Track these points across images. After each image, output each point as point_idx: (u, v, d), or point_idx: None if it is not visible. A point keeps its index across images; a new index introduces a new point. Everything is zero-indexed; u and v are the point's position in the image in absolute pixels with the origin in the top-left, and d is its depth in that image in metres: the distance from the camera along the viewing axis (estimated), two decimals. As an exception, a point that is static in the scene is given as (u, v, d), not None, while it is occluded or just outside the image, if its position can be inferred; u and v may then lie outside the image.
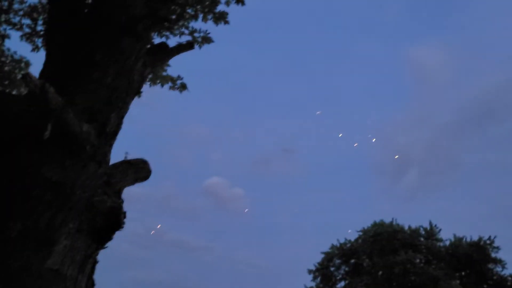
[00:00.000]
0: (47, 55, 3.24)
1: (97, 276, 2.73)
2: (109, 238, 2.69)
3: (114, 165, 3.00)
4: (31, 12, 4.76)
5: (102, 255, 2.86)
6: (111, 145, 3.12)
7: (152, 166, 3.32)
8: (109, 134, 3.06)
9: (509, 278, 31.57)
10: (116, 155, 3.19)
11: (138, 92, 3.51)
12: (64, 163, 2.62)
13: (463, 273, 32.82)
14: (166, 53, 3.72)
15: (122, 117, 3.25)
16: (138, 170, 3.15)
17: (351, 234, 39.07)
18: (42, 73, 3.12)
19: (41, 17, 4.80)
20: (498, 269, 32.28)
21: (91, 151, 2.76)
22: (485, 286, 31.95)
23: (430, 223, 34.76)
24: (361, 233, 34.54)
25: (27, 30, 4.86)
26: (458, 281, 31.40)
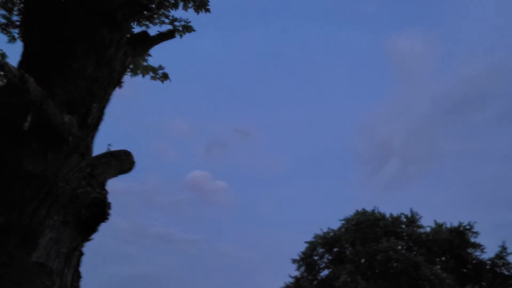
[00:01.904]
0: (24, 46, 3.17)
1: (81, 272, 2.69)
2: (94, 229, 2.65)
3: (97, 156, 2.95)
4: (6, 2, 4.64)
5: (86, 251, 2.82)
6: (93, 137, 3.07)
7: (135, 160, 3.28)
8: (91, 126, 3.01)
9: (488, 262, 32.14)
10: (99, 149, 3.14)
11: (119, 83, 3.46)
12: (46, 156, 2.57)
13: (443, 258, 33.33)
14: (147, 42, 3.66)
15: (104, 108, 3.20)
16: (121, 161, 3.10)
17: (334, 223, 39.32)
18: (20, 64, 3.04)
19: (16, 7, 4.69)
20: (477, 253, 32.82)
21: (73, 142, 2.71)
22: (464, 270, 32.51)
23: (411, 211, 35.16)
24: (343, 222, 34.82)
25: (2, 20, 4.74)
26: (438, 266, 31.90)
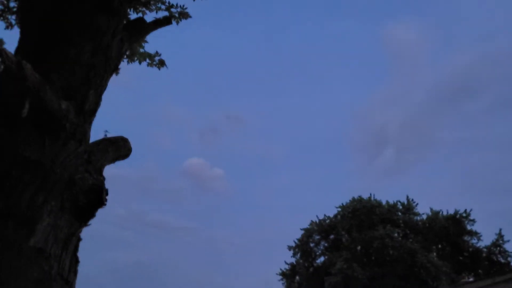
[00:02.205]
0: (22, 33, 3.16)
1: (80, 259, 2.72)
2: (92, 215, 2.68)
3: (94, 143, 2.97)
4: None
5: (84, 237, 2.85)
6: (90, 123, 3.09)
7: (132, 147, 3.30)
8: (88, 112, 3.02)
9: (484, 250, 32.31)
10: (96, 135, 3.15)
11: (115, 69, 3.46)
12: (43, 142, 2.58)
13: (439, 246, 33.49)
14: (143, 28, 3.66)
15: (101, 94, 3.21)
16: (118, 147, 3.12)
17: (330, 210, 39.43)
18: (17, 51, 3.05)
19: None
20: (474, 241, 33.00)
21: (71, 129, 2.72)
22: (460, 257, 32.68)
23: (407, 198, 35.27)
24: (340, 209, 34.93)
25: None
26: (434, 254, 32.07)
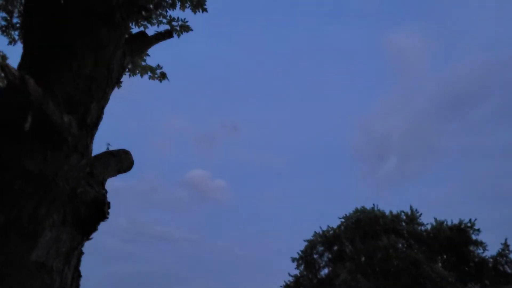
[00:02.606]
0: (24, 48, 3.19)
1: (81, 271, 2.71)
2: (94, 228, 2.68)
3: (97, 156, 2.98)
4: (6, 5, 4.67)
5: (86, 250, 2.85)
6: (92, 136, 3.09)
7: (134, 159, 3.31)
8: (90, 125, 3.03)
9: (490, 260, 32.11)
10: (98, 148, 3.16)
11: (118, 82, 3.48)
12: (45, 155, 2.58)
13: (444, 256, 33.31)
14: (145, 41, 3.69)
15: (103, 107, 3.22)
16: (120, 160, 3.13)
17: (334, 220, 39.31)
18: (20, 65, 3.07)
19: (16, 9, 4.72)
20: (479, 251, 32.82)
21: (73, 142, 2.73)
22: (466, 268, 32.48)
23: (411, 208, 35.19)
24: (343, 220, 34.85)
25: (3, 23, 4.77)
26: (439, 264, 31.90)
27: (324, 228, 34.99)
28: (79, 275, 2.63)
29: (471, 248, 32.32)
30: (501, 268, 31.37)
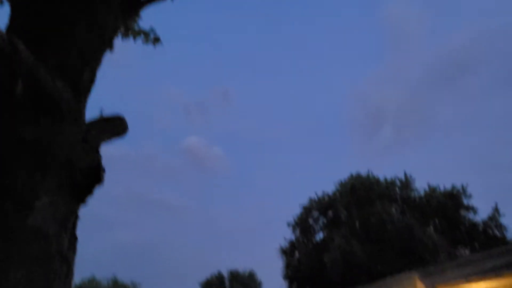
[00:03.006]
0: (12, 10, 3.12)
1: (80, 238, 2.73)
2: (89, 193, 2.68)
3: (90, 122, 2.95)
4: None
5: (85, 218, 2.85)
6: (85, 102, 3.06)
7: (131, 127, 3.29)
8: (83, 90, 3.00)
9: (481, 224, 32.54)
10: (91, 114, 3.14)
11: (110, 46, 3.43)
12: (38, 122, 2.56)
13: (436, 221, 33.71)
14: (138, 4, 3.62)
15: (95, 72, 3.18)
16: (114, 126, 3.11)
17: (329, 188, 39.63)
18: (8, 28, 3.00)
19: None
20: (470, 215, 33.24)
21: (66, 108, 2.70)
22: (457, 232, 32.93)
23: (405, 174, 35.42)
24: (338, 186, 35.07)
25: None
26: (432, 229, 32.30)
27: (320, 195, 35.29)
28: (75, 239, 2.65)
29: (462, 213, 32.74)
30: (491, 232, 31.86)
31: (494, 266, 13.24)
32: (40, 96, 2.55)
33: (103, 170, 2.73)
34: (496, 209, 31.76)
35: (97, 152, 2.82)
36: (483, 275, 11.73)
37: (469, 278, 12.11)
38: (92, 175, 2.63)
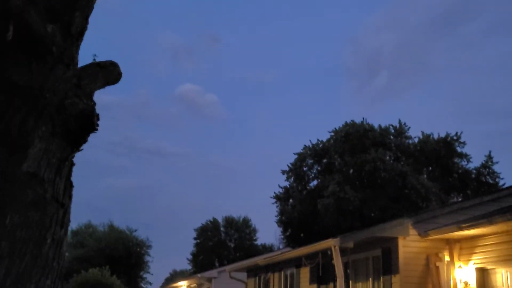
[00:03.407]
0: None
1: (76, 184, 2.74)
2: (83, 140, 2.67)
3: (83, 67, 2.91)
4: None
5: (81, 164, 2.85)
6: (78, 47, 3.00)
7: (125, 74, 3.24)
8: (75, 35, 2.93)
9: (473, 171, 32.94)
10: (84, 61, 3.09)
11: (101, -10, 3.33)
12: (30, 67, 2.52)
13: (430, 168, 34.10)
14: None
15: (87, 17, 3.10)
16: (108, 72, 3.06)
17: (324, 135, 39.77)
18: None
19: None
20: (464, 163, 33.61)
21: (58, 52, 2.65)
22: (450, 179, 33.37)
23: (399, 122, 35.58)
24: (332, 134, 35.23)
25: None
26: (425, 176, 32.71)
27: (314, 142, 35.47)
28: (71, 185, 2.66)
29: (456, 160, 33.07)
30: (483, 179, 32.32)
31: (486, 212, 13.50)
32: (31, 40, 2.50)
33: (97, 117, 2.72)
34: (489, 156, 32.10)
35: (91, 98, 2.79)
36: (475, 221, 11.97)
37: (461, 224, 12.36)
38: (85, 121, 2.62)
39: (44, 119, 2.46)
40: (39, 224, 2.33)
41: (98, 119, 2.74)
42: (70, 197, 2.64)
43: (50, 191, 2.43)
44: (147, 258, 55.03)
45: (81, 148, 2.72)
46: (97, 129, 2.72)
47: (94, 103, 2.79)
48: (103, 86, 3.06)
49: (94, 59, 3.10)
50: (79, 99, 2.65)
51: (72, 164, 2.71)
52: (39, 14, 2.58)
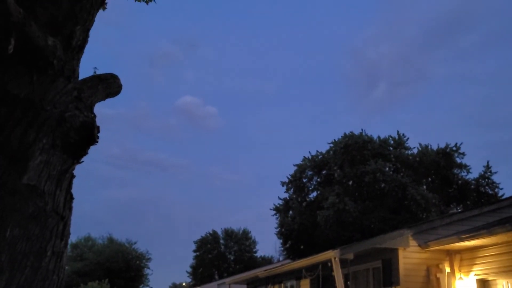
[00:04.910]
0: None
1: (76, 197, 2.74)
2: (84, 152, 2.67)
3: (84, 80, 2.92)
4: None
5: (82, 176, 2.85)
6: (78, 60, 3.02)
7: (125, 86, 3.26)
8: (76, 48, 2.95)
9: (473, 182, 32.85)
10: (85, 73, 3.10)
11: (102, 4, 3.36)
12: (31, 79, 2.53)
13: (429, 179, 34.02)
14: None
15: (88, 30, 3.12)
16: (108, 85, 3.08)
17: (323, 146, 39.74)
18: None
19: None
20: (463, 173, 33.53)
21: (59, 65, 2.66)
22: (450, 190, 33.28)
23: (398, 133, 35.58)
24: (332, 145, 35.22)
25: None
26: (424, 187, 32.64)
27: (313, 153, 35.47)
28: (71, 198, 2.66)
29: (455, 171, 33.03)
30: (482, 189, 32.25)
31: (487, 223, 13.46)
32: (32, 53, 2.52)
33: (98, 129, 2.72)
34: (487, 167, 32.08)
35: (91, 110, 2.80)
36: (475, 232, 11.94)
37: (461, 235, 12.33)
38: (86, 134, 2.62)
39: (44, 132, 2.47)
40: (39, 237, 2.33)
41: (98, 131, 2.74)
42: (70, 209, 2.63)
43: (51, 204, 2.43)
44: (146, 271, 54.77)
45: (81, 160, 2.72)
46: (97, 141, 2.73)
47: (95, 116, 2.80)
48: (103, 98, 3.07)
49: (95, 72, 3.11)
50: (80, 112, 2.66)
51: (73, 176, 2.71)
52: (40, 27, 2.59)
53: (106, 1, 3.91)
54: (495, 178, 32.14)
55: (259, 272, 23.71)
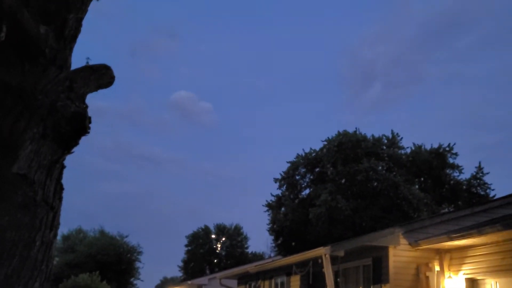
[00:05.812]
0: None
1: (68, 189, 2.72)
2: (75, 143, 2.66)
3: (76, 70, 2.90)
4: None
5: (75, 169, 2.84)
6: (71, 49, 3.00)
7: (119, 80, 3.24)
8: (68, 38, 2.93)
9: (465, 182, 33.01)
10: (77, 64, 3.08)
11: (96, -6, 3.33)
12: (23, 68, 2.52)
13: (422, 179, 34.13)
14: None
15: (81, 19, 3.10)
16: (100, 75, 3.06)
17: (317, 144, 39.79)
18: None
19: None
20: (455, 174, 33.68)
21: (51, 54, 2.65)
22: (442, 190, 33.44)
23: (392, 132, 35.63)
24: (325, 143, 35.26)
25: None
26: (417, 186, 32.76)
27: (307, 151, 35.51)
28: (61, 188, 2.64)
29: (448, 171, 33.19)
30: (474, 190, 32.43)
31: (477, 223, 13.54)
32: (24, 41, 2.50)
33: (89, 120, 2.71)
34: (479, 168, 32.25)
35: (83, 100, 2.78)
36: (465, 232, 12.00)
37: (451, 235, 12.39)
38: (77, 124, 2.61)
39: (35, 121, 2.45)
40: (28, 226, 2.32)
41: (90, 122, 2.73)
42: (60, 199, 2.62)
43: (40, 193, 2.41)
44: (138, 264, 54.63)
45: (72, 151, 2.70)
46: (88, 132, 2.71)
47: (86, 106, 2.78)
48: (95, 89, 3.05)
49: (87, 62, 3.09)
50: (71, 102, 2.64)
51: (63, 166, 2.69)
52: (32, 15, 2.57)
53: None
54: (487, 179, 32.33)
55: (250, 267, 23.74)
